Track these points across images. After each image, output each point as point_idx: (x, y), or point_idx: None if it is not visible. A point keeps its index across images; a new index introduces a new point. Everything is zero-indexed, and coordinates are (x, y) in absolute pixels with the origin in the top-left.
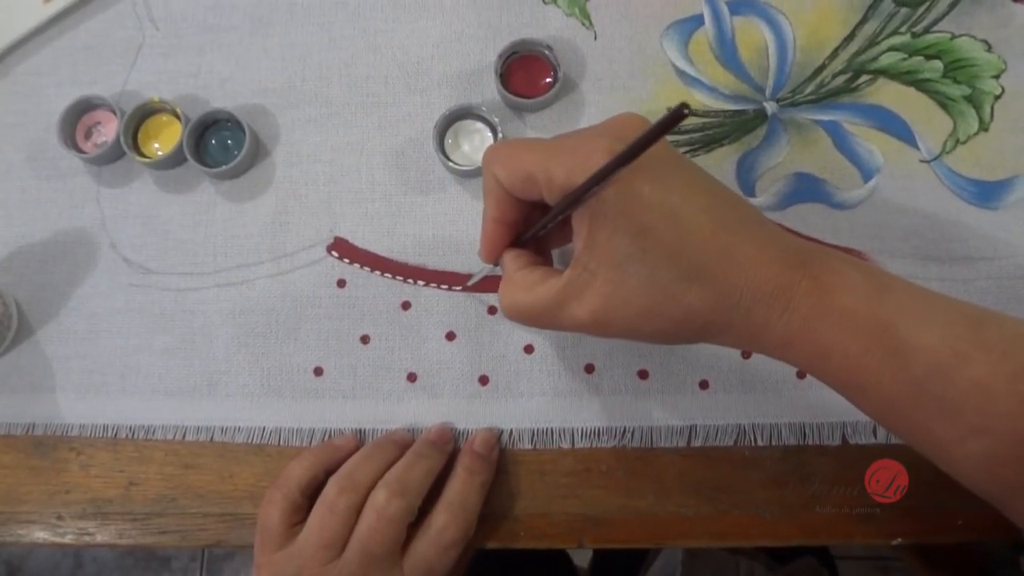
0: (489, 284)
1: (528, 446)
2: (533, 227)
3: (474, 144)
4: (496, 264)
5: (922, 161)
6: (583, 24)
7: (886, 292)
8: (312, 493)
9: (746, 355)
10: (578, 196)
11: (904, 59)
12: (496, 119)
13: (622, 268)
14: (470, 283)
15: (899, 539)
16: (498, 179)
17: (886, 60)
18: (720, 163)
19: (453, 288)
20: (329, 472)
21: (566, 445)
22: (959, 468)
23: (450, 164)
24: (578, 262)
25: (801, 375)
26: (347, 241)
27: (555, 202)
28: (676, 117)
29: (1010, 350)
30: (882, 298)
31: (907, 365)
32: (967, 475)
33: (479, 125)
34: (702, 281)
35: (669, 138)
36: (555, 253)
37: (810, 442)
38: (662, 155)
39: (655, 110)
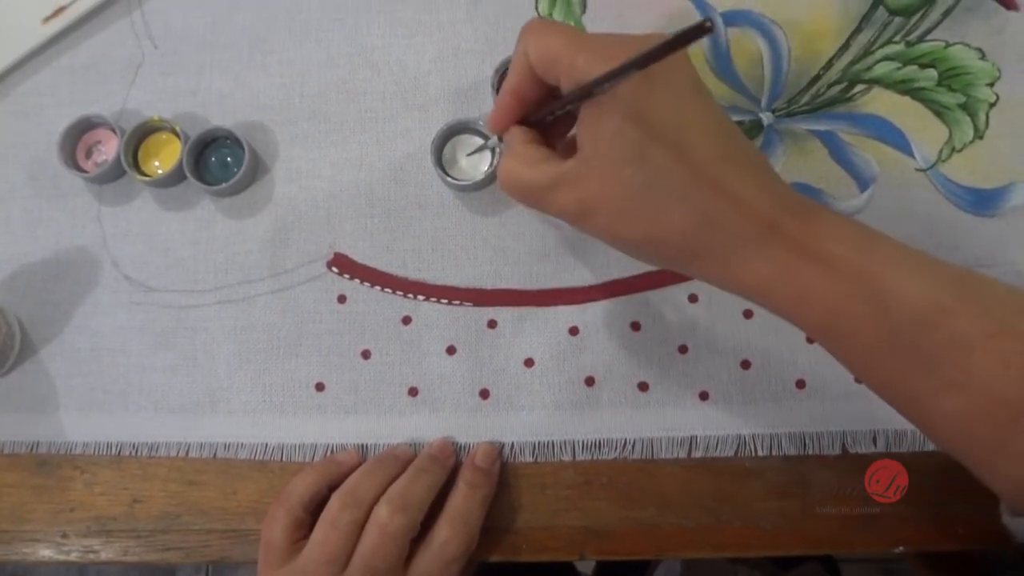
0: (493, 298)
1: (529, 459)
2: (545, 109)
3: (472, 159)
4: (500, 138)
5: (918, 170)
6: None
7: (873, 243)
8: (315, 509)
9: (745, 366)
10: (592, 87)
11: (899, 68)
12: None
13: (619, 169)
14: (469, 153)
15: (900, 547)
16: (527, 52)
17: (881, 69)
18: None
19: (453, 302)
20: (332, 487)
21: (567, 458)
22: (933, 423)
23: (448, 179)
24: (580, 153)
25: (800, 385)
26: (347, 256)
27: (568, 91)
28: (698, 30)
29: (992, 308)
30: (869, 248)
31: (888, 314)
32: (940, 430)
33: (477, 140)
34: (690, 201)
35: None
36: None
37: (810, 452)
38: (686, 75)
39: None
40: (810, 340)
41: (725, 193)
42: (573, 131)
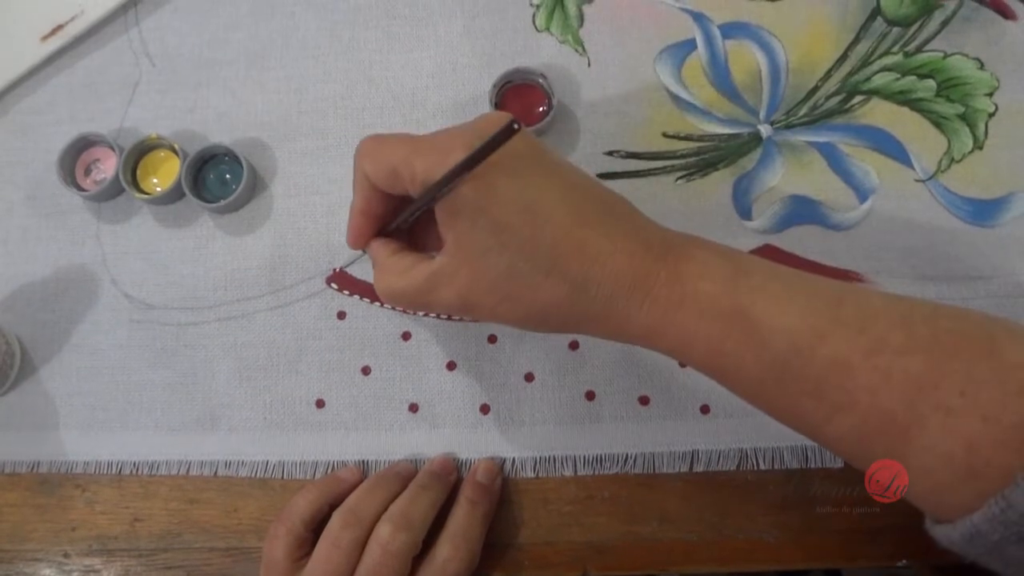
0: None
1: (531, 475)
2: (398, 218)
3: None
4: (364, 251)
5: (917, 180)
6: (576, 51)
7: (744, 276)
8: (317, 527)
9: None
10: (435, 192)
11: (897, 79)
12: None
13: (483, 259)
14: (339, 268)
15: (904, 561)
16: (365, 172)
17: (879, 80)
18: (716, 186)
19: (453, 318)
20: (333, 505)
21: (568, 473)
22: (833, 446)
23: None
24: (447, 251)
25: None
26: (346, 272)
27: (418, 196)
28: (507, 132)
29: (867, 325)
30: (739, 282)
31: (767, 347)
32: (841, 452)
33: None
34: (557, 274)
35: (664, 163)
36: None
37: (812, 465)
38: (522, 151)
39: (650, 135)
40: None
41: (589, 257)
42: None
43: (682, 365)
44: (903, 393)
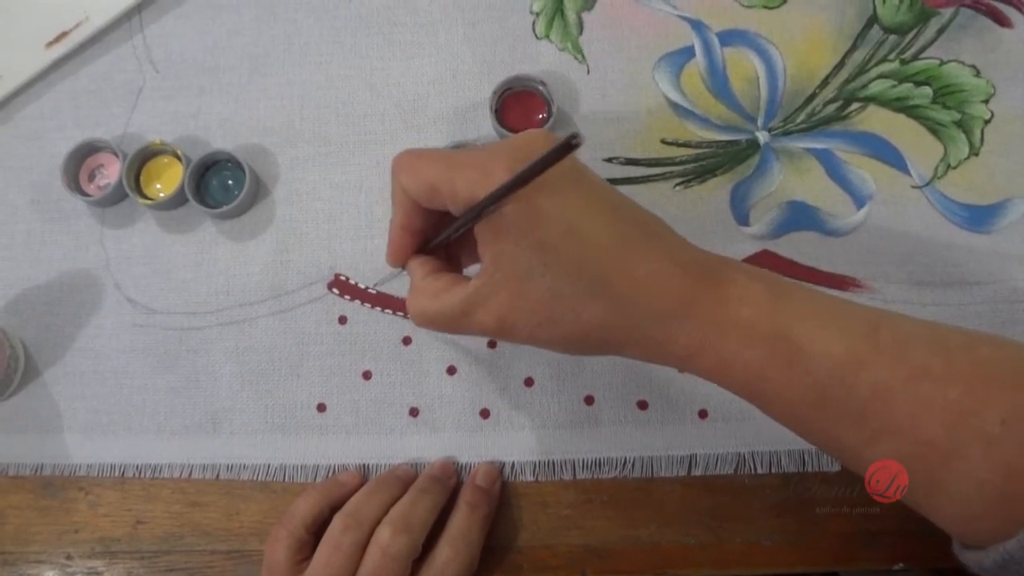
0: None
1: (530, 478)
2: (439, 235)
3: None
4: (402, 268)
5: (914, 187)
6: (576, 59)
7: (784, 300)
8: (318, 530)
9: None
10: (479, 211)
11: (894, 86)
12: None
13: (525, 280)
14: (375, 285)
15: (901, 564)
16: (404, 187)
17: (876, 87)
18: (714, 193)
19: None
20: (334, 508)
21: (567, 477)
22: (868, 488)
23: None
24: (484, 271)
25: None
26: (348, 278)
27: (459, 213)
28: (566, 147)
29: (905, 351)
30: (779, 306)
31: (808, 372)
32: None
33: None
34: (601, 296)
35: (663, 169)
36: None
37: (810, 469)
38: (566, 171)
39: (649, 142)
40: None
41: (632, 280)
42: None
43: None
44: (943, 420)
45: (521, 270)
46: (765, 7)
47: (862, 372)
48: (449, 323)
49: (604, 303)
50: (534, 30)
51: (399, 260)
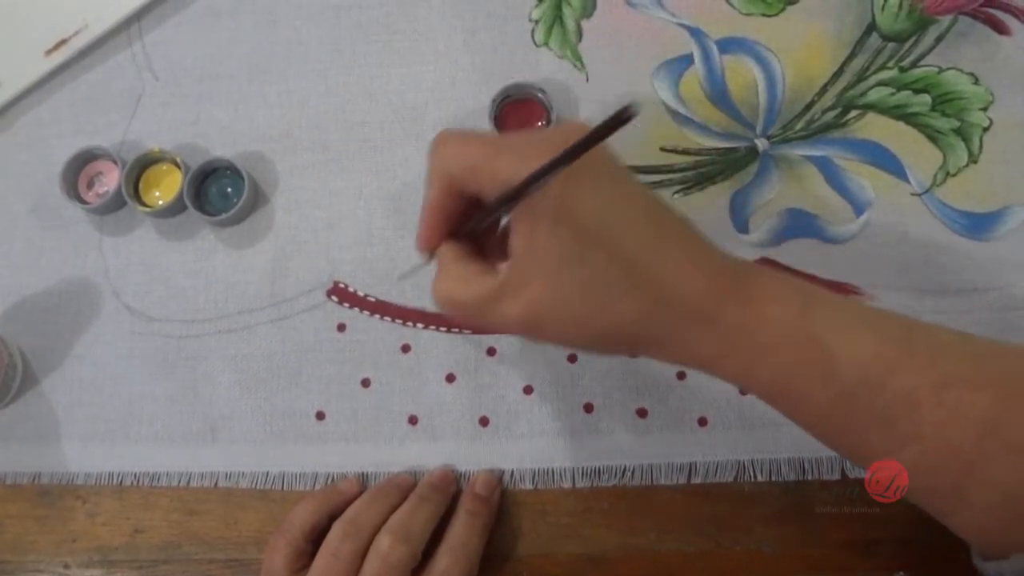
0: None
1: (529, 486)
2: (472, 220)
3: None
4: (430, 257)
5: (913, 194)
6: (575, 66)
7: (814, 305)
8: (316, 538)
9: (744, 391)
10: (520, 192)
11: (892, 94)
12: None
13: (559, 271)
14: (401, 275)
15: (901, 572)
16: (445, 163)
17: (875, 95)
18: (713, 200)
19: (452, 330)
20: (333, 517)
21: (567, 485)
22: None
23: None
24: (517, 261)
25: None
26: (346, 285)
27: (495, 197)
28: (621, 119)
29: (936, 358)
30: (810, 311)
31: (836, 377)
32: None
33: None
34: (636, 292)
35: (662, 176)
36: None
37: (809, 477)
38: (604, 164)
39: (648, 149)
40: None
41: (664, 280)
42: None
43: (743, 392)
44: (971, 429)
45: (555, 259)
46: (764, 15)
47: (890, 378)
48: (475, 310)
49: (635, 301)
50: (533, 38)
51: (431, 244)
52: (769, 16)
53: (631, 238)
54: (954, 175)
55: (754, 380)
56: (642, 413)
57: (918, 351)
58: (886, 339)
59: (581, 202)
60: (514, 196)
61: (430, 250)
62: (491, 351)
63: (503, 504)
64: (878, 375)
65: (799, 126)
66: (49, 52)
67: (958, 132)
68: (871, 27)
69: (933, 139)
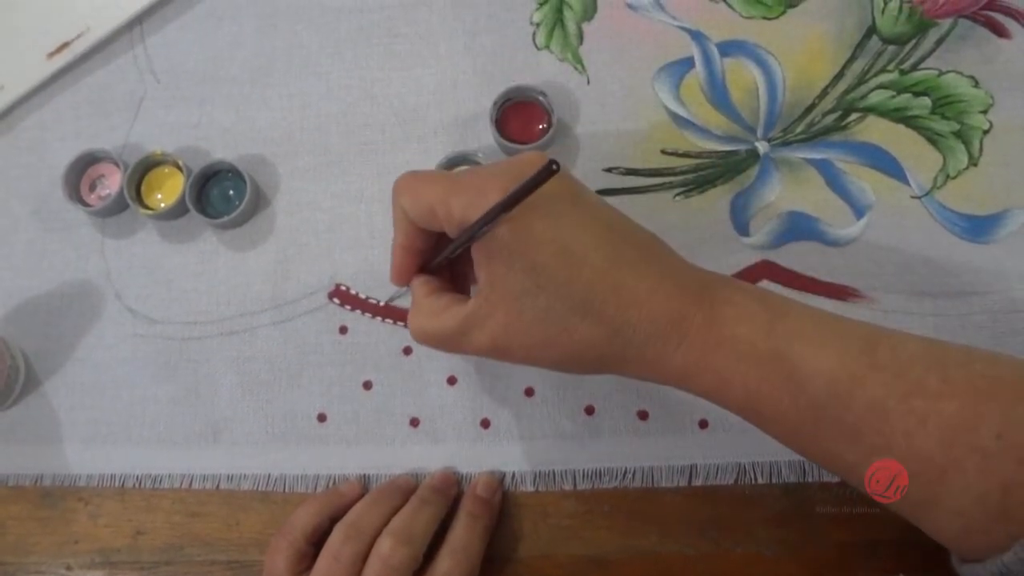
0: None
1: (530, 488)
2: (437, 256)
3: None
4: (406, 287)
5: (913, 197)
6: (576, 69)
7: (780, 319)
8: (318, 540)
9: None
10: (472, 233)
11: (893, 96)
12: None
13: (519, 301)
14: (387, 301)
15: (901, 575)
16: (404, 209)
17: (875, 98)
18: (714, 203)
19: None
20: (334, 519)
21: (568, 487)
22: (868, 488)
23: None
24: (480, 293)
25: None
26: (348, 288)
27: (455, 235)
28: (545, 174)
29: (903, 369)
30: (776, 326)
31: (804, 391)
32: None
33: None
34: (593, 316)
35: (662, 179)
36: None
37: (810, 479)
38: (560, 192)
39: (649, 152)
40: None
41: (626, 300)
42: None
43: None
44: (940, 436)
45: (514, 291)
46: (764, 18)
47: (858, 390)
48: (447, 342)
49: (595, 324)
50: (534, 41)
51: (402, 279)
52: (770, 19)
53: (590, 260)
54: (954, 178)
55: (726, 396)
56: (643, 415)
57: (884, 362)
58: (852, 351)
59: (535, 234)
60: (468, 237)
61: (402, 284)
62: None
63: (504, 506)
64: (845, 388)
65: (800, 129)
66: (51, 55)
67: (958, 135)
68: (871, 30)
69: (933, 142)
